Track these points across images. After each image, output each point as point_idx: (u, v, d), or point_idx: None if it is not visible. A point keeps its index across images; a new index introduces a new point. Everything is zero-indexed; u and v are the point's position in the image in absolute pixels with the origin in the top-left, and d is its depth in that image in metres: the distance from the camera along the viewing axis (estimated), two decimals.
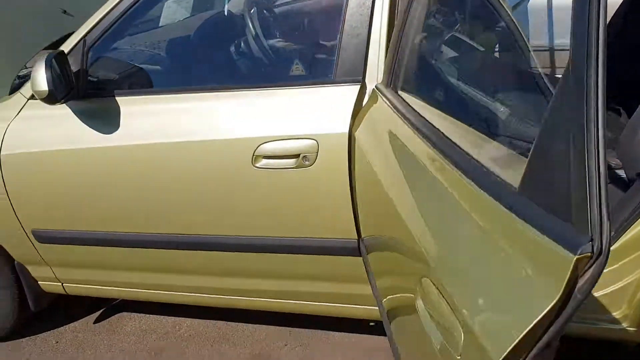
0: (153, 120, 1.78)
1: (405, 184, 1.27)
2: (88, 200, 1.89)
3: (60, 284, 2.16)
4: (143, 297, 2.10)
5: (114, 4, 1.80)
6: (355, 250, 1.71)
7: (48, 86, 1.63)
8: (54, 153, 1.86)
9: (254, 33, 2.15)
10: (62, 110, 1.85)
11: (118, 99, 1.81)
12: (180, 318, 2.36)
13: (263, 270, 1.87)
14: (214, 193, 1.76)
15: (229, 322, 2.31)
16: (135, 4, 1.78)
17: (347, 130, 1.60)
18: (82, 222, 1.93)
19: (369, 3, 1.63)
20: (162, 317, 2.39)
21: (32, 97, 1.88)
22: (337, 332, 2.19)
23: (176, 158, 1.76)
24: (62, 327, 2.37)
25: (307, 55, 2.08)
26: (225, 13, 2.66)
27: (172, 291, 2.03)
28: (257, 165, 1.68)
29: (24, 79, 2.15)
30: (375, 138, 1.48)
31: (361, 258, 1.73)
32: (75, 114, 1.83)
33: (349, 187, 1.63)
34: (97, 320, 2.40)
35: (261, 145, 1.67)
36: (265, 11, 2.41)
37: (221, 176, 1.74)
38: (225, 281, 1.94)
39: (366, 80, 1.64)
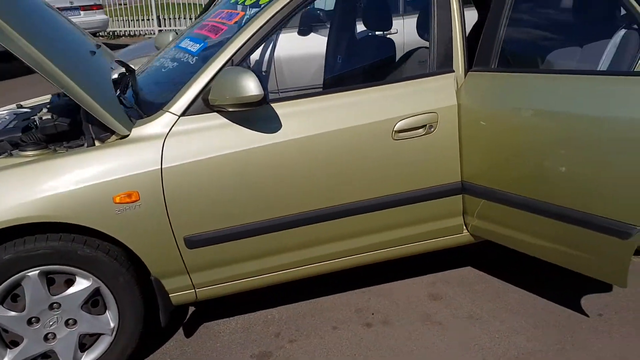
0: (309, 116, 2.23)
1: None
2: (250, 194, 2.19)
3: (193, 290, 2.31)
4: (279, 279, 2.40)
5: (256, 28, 2.21)
6: (459, 190, 2.42)
7: (259, 90, 1.99)
8: (217, 158, 2.14)
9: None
10: (217, 121, 2.16)
11: (273, 105, 2.20)
12: (260, 311, 2.68)
13: (386, 224, 2.41)
14: (363, 166, 2.28)
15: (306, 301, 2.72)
16: (275, 27, 2.23)
17: (455, 102, 2.33)
18: (239, 218, 2.21)
19: (450, 15, 2.40)
20: (244, 315, 2.66)
21: (183, 114, 2.14)
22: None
23: (332, 143, 2.23)
24: (164, 347, 2.47)
25: (418, 56, 2.68)
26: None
27: (313, 263, 2.39)
28: (395, 138, 2.28)
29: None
30: (486, 105, 2.25)
31: (461, 196, 2.43)
32: (234, 122, 2.16)
33: (458, 141, 2.34)
34: (188, 334, 2.54)
35: (398, 123, 2.28)
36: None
37: (369, 151, 2.27)
38: (356, 241, 2.41)
39: (453, 67, 2.39)
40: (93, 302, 2.21)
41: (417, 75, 2.38)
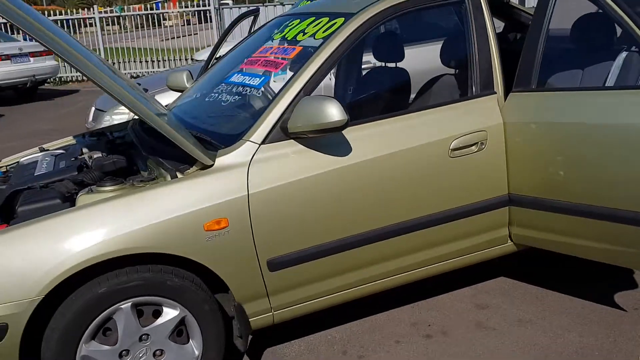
0: (375, 139, 2.38)
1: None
2: (328, 214, 2.31)
3: (271, 314, 2.38)
4: (351, 296, 2.50)
5: (323, 59, 2.36)
6: (506, 202, 2.62)
7: (343, 116, 2.13)
8: (298, 183, 2.25)
9: None
10: (294, 147, 2.29)
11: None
12: (318, 333, 2.77)
13: (443, 238, 2.57)
14: (424, 183, 2.45)
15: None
16: (339, 57, 2.40)
17: (501, 120, 2.54)
18: (317, 237, 2.31)
19: (488, 41, 2.63)
20: (304, 338, 2.74)
21: (263, 142, 2.25)
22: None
23: (398, 163, 2.39)
24: None
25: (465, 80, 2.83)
26: None
27: (382, 279, 2.51)
28: (451, 156, 2.47)
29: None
30: (525, 121, 2.48)
31: (507, 207, 2.64)
32: (310, 148, 2.29)
33: (505, 156, 2.56)
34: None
35: (453, 142, 2.47)
36: None
37: (426, 168, 2.45)
38: (417, 256, 2.55)
39: (494, 89, 2.62)
40: (178, 332, 2.24)
41: (465, 97, 2.60)
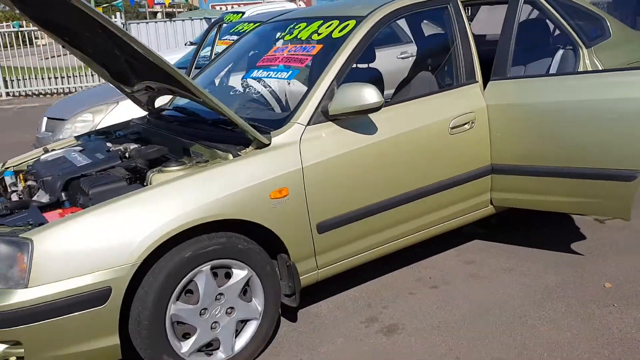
0: (394, 120, 2.85)
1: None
2: (363, 182, 2.74)
3: (317, 272, 2.76)
4: (385, 251, 2.95)
5: (348, 53, 2.80)
6: (489, 171, 3.18)
7: (379, 98, 2.57)
8: (339, 156, 2.67)
9: None
10: (332, 128, 2.70)
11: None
12: (339, 294, 3.18)
13: (441, 203, 3.07)
14: (432, 155, 2.95)
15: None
16: (361, 49, 2.86)
17: (484, 104, 3.11)
18: (356, 202, 2.74)
19: (469, 40, 3.19)
20: (328, 299, 3.13)
21: (308, 123, 2.65)
22: None
23: (414, 138, 2.88)
24: (281, 331, 2.86)
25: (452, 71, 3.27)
26: None
27: (403, 237, 2.98)
28: (451, 133, 2.99)
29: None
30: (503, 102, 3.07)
31: (489, 176, 3.20)
32: (344, 128, 2.71)
33: (489, 133, 3.12)
34: (292, 321, 2.94)
35: (452, 121, 3.00)
36: None
37: (434, 143, 2.95)
38: (424, 219, 3.04)
39: (476, 78, 3.18)
40: (243, 292, 2.56)
41: (455, 85, 3.14)
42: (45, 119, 5.68)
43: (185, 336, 2.44)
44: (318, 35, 3.06)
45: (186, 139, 2.85)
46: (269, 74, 3.05)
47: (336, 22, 3.07)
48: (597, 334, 2.62)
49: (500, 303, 2.95)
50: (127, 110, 5.06)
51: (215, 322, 2.48)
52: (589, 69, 3.51)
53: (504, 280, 3.17)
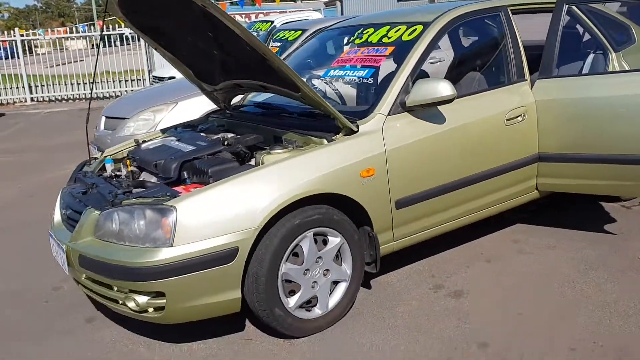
0: (460, 111, 3.29)
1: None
2: (437, 164, 3.18)
3: (393, 243, 3.18)
4: (448, 228, 3.38)
5: (420, 52, 3.25)
6: (536, 159, 3.62)
7: (453, 91, 3.01)
8: (416, 142, 3.11)
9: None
10: (408, 118, 3.14)
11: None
12: (403, 268, 3.60)
13: (497, 187, 3.51)
14: (491, 143, 3.39)
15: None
16: (430, 50, 3.30)
17: (533, 99, 3.55)
18: (429, 182, 3.17)
19: (518, 42, 3.64)
20: (394, 272, 3.55)
21: (389, 114, 3.08)
22: None
23: (477, 128, 3.32)
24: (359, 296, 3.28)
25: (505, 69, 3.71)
26: None
27: (467, 215, 3.41)
28: (506, 124, 3.44)
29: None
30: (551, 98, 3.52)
31: (536, 164, 3.64)
32: (418, 118, 3.15)
33: (537, 125, 3.56)
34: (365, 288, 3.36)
35: (507, 113, 3.44)
36: None
37: (493, 132, 3.40)
38: (481, 200, 3.47)
39: (525, 77, 3.63)
40: (336, 256, 2.98)
41: (507, 83, 3.59)
42: (103, 118, 6.10)
43: (291, 293, 2.85)
44: (388, 39, 3.51)
45: (278, 128, 3.28)
46: (346, 72, 3.49)
47: (404, 27, 3.52)
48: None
49: (549, 272, 3.38)
50: (184, 110, 5.54)
51: (315, 281, 2.90)
52: None
53: (548, 254, 3.60)
